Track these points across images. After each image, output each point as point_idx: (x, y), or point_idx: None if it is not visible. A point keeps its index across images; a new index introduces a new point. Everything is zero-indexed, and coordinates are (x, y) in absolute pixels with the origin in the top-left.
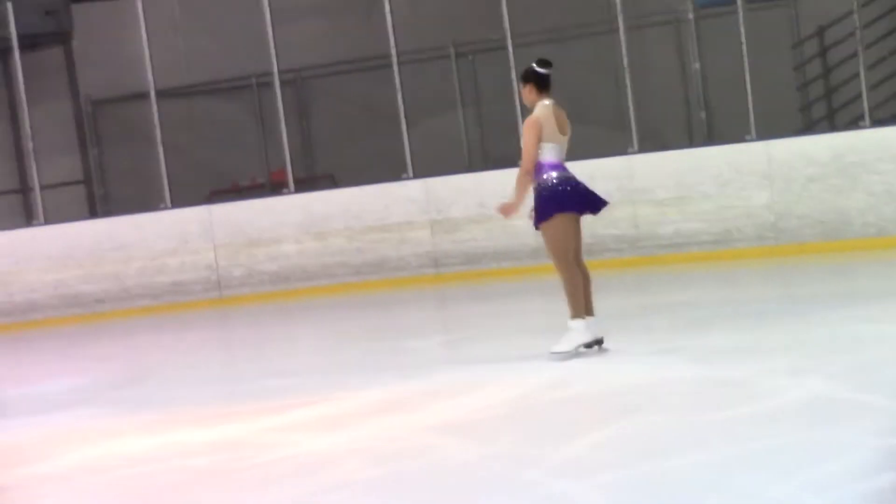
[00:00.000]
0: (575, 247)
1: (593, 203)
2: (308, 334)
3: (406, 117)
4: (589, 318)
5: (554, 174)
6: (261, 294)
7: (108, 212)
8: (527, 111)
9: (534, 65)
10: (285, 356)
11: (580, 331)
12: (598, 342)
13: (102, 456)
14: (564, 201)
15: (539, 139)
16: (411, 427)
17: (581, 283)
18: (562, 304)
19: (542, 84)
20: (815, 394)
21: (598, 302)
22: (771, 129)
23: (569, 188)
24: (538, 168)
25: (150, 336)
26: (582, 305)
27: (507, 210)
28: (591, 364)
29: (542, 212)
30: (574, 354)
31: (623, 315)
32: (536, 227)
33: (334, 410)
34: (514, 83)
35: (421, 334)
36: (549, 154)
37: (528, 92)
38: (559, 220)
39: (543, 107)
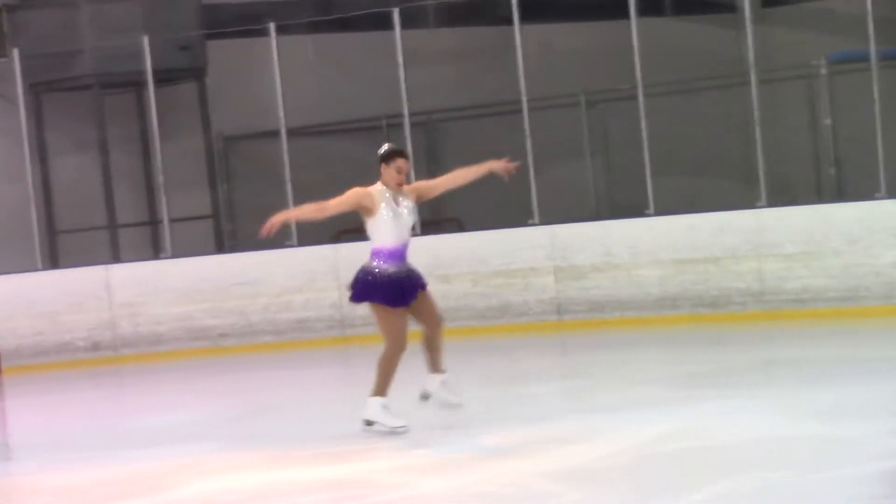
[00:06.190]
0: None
1: None
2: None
3: (534, 163)
4: (440, 375)
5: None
6: None
7: (235, 247)
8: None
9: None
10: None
11: (376, 408)
12: (426, 396)
13: (216, 491)
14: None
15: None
16: (528, 473)
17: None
18: (684, 356)
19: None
20: None
21: (721, 355)
22: None
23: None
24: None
25: (272, 372)
26: (387, 386)
27: None
28: (711, 417)
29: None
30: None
31: (744, 370)
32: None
33: (454, 454)
34: (644, 133)
35: (542, 380)
36: None
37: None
38: None
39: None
